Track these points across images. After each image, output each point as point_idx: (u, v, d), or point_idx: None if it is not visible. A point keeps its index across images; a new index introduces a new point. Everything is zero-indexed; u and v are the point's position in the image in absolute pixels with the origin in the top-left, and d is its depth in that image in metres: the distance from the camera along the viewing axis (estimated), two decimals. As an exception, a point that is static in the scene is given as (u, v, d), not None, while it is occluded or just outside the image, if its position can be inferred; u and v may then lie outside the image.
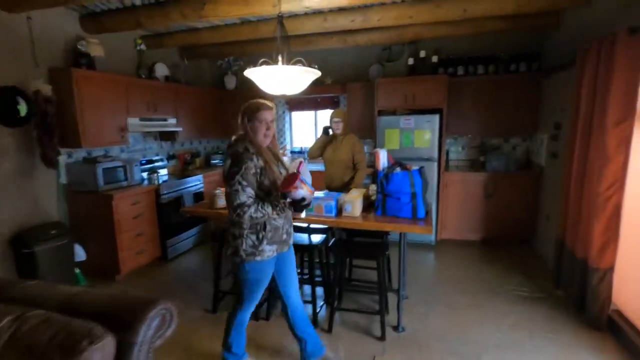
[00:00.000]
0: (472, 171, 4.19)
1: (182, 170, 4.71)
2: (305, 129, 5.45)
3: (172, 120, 4.21)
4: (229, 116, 5.15)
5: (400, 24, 3.40)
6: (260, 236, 1.80)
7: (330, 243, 2.84)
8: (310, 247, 2.55)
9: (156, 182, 3.80)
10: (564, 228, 2.86)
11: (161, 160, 4.37)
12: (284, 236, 1.91)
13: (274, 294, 2.21)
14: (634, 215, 2.28)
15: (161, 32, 4.09)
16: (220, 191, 2.79)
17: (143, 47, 4.05)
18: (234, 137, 1.88)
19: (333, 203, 2.41)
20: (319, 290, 2.97)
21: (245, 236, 1.79)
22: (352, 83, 4.64)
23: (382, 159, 2.39)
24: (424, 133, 4.03)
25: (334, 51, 4.82)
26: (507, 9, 3.04)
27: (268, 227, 1.80)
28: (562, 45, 3.48)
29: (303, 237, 2.65)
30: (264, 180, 1.77)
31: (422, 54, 4.28)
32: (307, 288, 3.05)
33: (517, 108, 4.06)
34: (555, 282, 3.00)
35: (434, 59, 4.25)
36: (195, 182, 4.26)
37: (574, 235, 2.66)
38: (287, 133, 5.43)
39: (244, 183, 1.70)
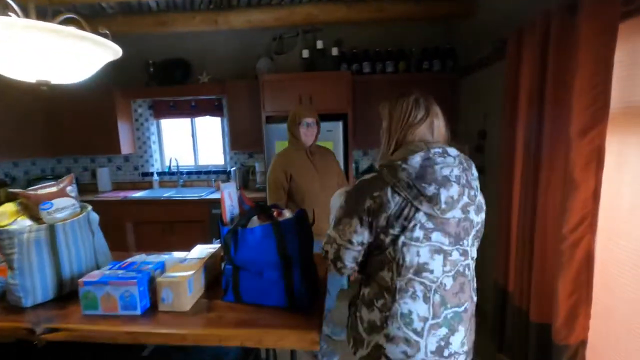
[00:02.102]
0: (387, 191, 3.38)
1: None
2: (181, 141, 4.16)
3: None
4: (73, 125, 3.63)
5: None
6: None
7: None
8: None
9: None
10: (504, 274, 2.12)
11: None
12: None
13: None
14: (605, 263, 1.57)
15: None
16: None
17: None
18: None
19: (138, 289, 1.24)
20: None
21: None
22: (233, 81, 3.53)
23: (228, 201, 1.30)
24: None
25: (211, 40, 3.66)
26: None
27: None
28: (480, 38, 2.87)
29: None
30: None
31: (320, 44, 3.37)
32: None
33: (432, 113, 3.37)
34: (496, 342, 2.24)
35: (335, 51, 3.38)
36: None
37: (524, 290, 1.90)
38: (156, 147, 4.07)
39: None
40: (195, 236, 3.38)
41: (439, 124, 1.09)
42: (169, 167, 3.79)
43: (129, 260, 1.44)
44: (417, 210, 0.93)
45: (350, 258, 1.03)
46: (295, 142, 2.17)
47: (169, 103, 3.88)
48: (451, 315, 0.99)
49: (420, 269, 0.96)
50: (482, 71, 2.80)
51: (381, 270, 0.99)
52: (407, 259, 0.95)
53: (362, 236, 0.99)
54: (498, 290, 2.19)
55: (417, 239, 0.94)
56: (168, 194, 3.66)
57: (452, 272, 0.99)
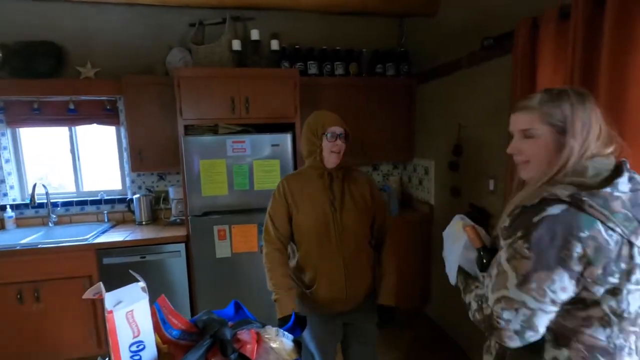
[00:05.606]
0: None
1: None
2: (54, 158, 2.96)
3: None
4: None
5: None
6: None
7: None
8: None
9: None
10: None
11: None
12: None
13: None
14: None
15: None
16: None
17: None
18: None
19: None
20: None
21: None
22: (133, 77, 2.56)
23: (126, 332, 0.53)
24: (269, 165, 2.36)
25: (98, 17, 2.65)
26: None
27: None
28: (441, 40, 2.52)
29: None
30: None
31: (255, 34, 2.65)
32: None
33: (388, 123, 2.93)
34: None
35: (275, 45, 2.69)
36: None
37: None
38: (10, 168, 2.79)
39: None
40: (75, 302, 2.30)
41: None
42: (32, 196, 2.57)
43: None
44: (632, 246, 0.76)
45: (546, 323, 0.81)
46: (312, 160, 1.47)
47: (32, 105, 2.69)
48: None
49: (638, 318, 0.81)
50: (450, 77, 2.44)
51: (588, 328, 0.80)
52: (633, 310, 0.79)
53: (567, 293, 0.78)
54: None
55: (638, 283, 0.77)
56: (30, 237, 2.47)
57: None
